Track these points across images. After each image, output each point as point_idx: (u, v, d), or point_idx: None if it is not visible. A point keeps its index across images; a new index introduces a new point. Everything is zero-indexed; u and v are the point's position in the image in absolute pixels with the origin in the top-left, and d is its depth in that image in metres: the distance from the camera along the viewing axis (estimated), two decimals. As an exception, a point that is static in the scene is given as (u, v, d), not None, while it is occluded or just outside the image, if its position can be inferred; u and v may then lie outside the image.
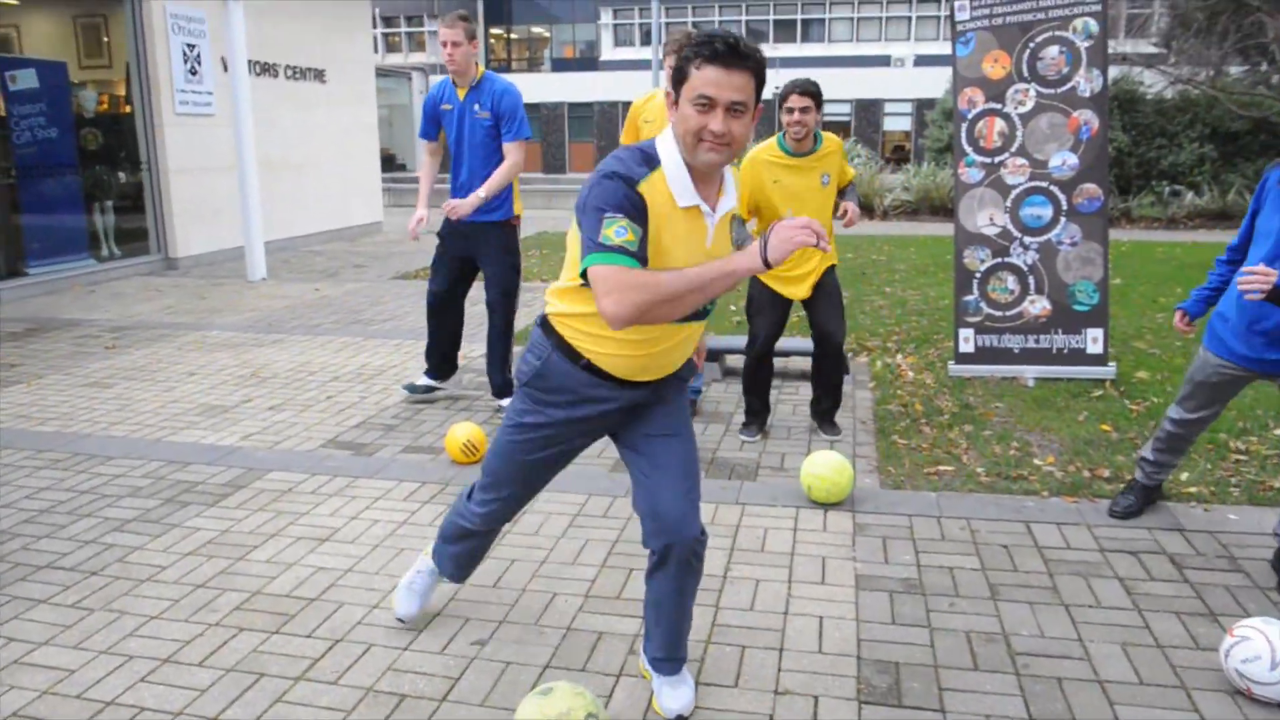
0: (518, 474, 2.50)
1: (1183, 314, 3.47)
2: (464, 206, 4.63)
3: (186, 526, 3.60)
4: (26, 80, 8.93)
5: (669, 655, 2.46)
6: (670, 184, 2.09)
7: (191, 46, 10.28)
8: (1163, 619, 2.88)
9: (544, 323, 2.32)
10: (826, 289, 4.35)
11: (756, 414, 4.58)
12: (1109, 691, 2.52)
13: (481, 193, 4.61)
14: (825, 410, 4.60)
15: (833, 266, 4.38)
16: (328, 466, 4.22)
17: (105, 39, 10.02)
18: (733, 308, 6.37)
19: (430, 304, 5.08)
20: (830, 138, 4.31)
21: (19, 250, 8.91)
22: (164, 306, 8.16)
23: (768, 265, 1.92)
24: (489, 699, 2.51)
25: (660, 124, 4.33)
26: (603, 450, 4.25)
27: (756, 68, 2.03)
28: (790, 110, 4.10)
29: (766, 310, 4.39)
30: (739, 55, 1.99)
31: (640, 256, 1.99)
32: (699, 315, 2.25)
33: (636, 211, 2.02)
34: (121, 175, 10.04)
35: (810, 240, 1.89)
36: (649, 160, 2.10)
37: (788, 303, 4.40)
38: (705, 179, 2.14)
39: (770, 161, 4.23)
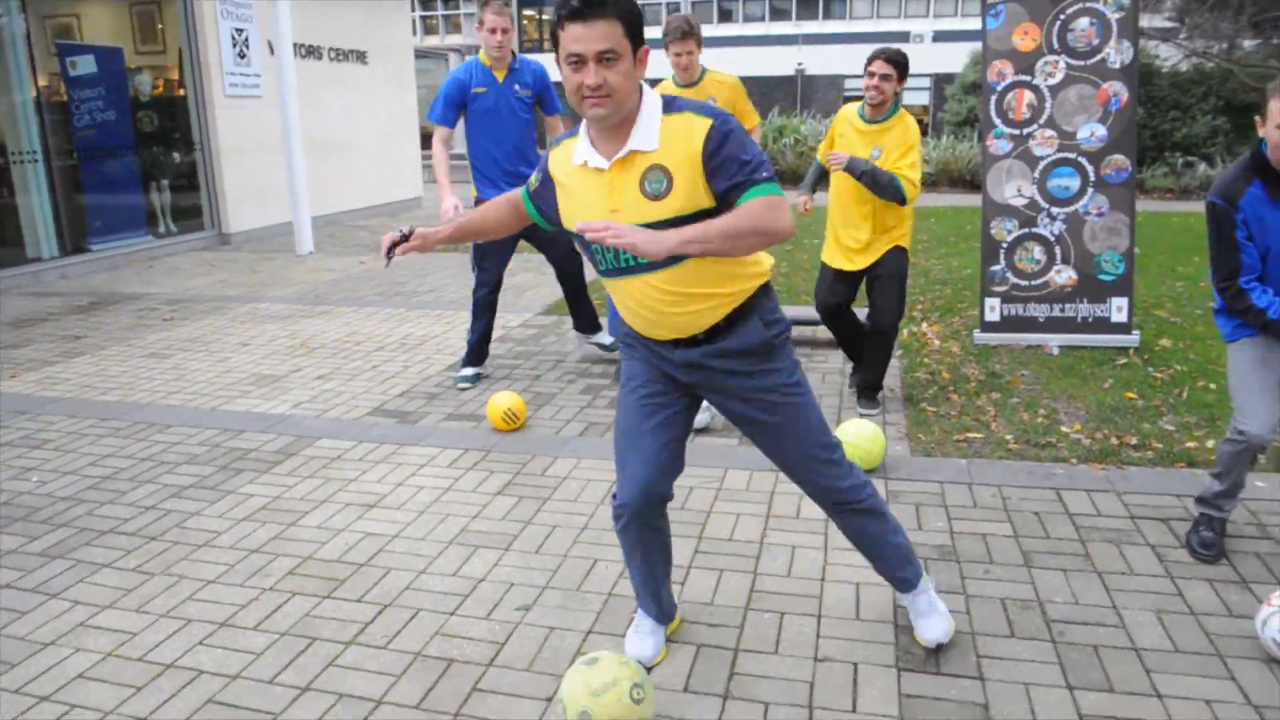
0: (627, 422, 2.27)
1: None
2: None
3: (241, 493, 3.56)
4: (86, 65, 8.89)
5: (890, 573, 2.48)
6: (576, 147, 2.09)
7: (240, 31, 10.18)
8: (1195, 586, 2.76)
9: None
10: (887, 269, 4.17)
11: (854, 360, 4.57)
12: (1145, 659, 2.40)
13: None
14: (860, 384, 4.42)
15: (898, 248, 4.17)
16: (374, 434, 4.16)
17: (159, 25, 9.93)
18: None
19: (485, 304, 4.81)
20: (905, 118, 4.08)
21: (82, 228, 8.91)
22: (218, 280, 8.13)
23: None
24: (534, 664, 2.44)
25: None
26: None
27: (619, 13, 1.90)
28: (872, 74, 4.04)
29: (823, 281, 4.38)
30: (596, 5, 1.88)
31: (529, 197, 2.27)
32: (633, 269, 2.06)
33: (542, 174, 2.21)
34: (176, 155, 10.01)
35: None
36: (574, 131, 2.13)
37: (849, 274, 4.28)
38: (608, 135, 2.02)
39: (846, 117, 4.25)
